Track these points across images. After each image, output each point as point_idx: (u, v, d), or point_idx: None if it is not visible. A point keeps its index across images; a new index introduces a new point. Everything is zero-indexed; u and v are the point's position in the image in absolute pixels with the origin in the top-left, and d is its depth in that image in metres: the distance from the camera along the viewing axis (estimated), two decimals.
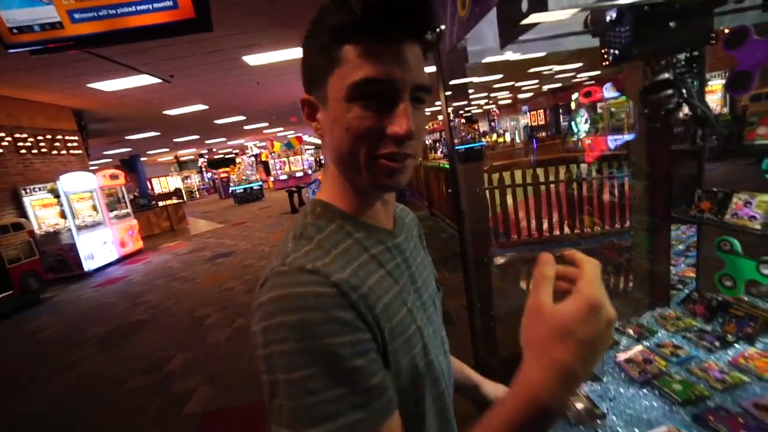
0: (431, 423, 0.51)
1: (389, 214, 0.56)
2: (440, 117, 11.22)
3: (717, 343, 1.22)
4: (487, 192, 4.63)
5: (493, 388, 0.75)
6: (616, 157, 4.10)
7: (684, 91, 1.26)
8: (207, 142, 17.69)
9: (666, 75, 1.31)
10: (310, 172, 17.87)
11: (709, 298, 1.37)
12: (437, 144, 12.88)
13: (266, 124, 13.90)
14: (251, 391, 2.60)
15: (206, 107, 8.76)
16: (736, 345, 1.21)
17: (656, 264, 1.54)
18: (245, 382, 2.73)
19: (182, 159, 27.11)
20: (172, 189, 21.31)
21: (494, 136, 18.40)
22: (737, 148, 1.17)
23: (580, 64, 10.35)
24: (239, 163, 18.20)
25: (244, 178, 16.52)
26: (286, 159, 18.12)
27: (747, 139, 1.16)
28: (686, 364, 1.16)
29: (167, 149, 18.37)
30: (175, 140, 14.63)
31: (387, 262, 0.50)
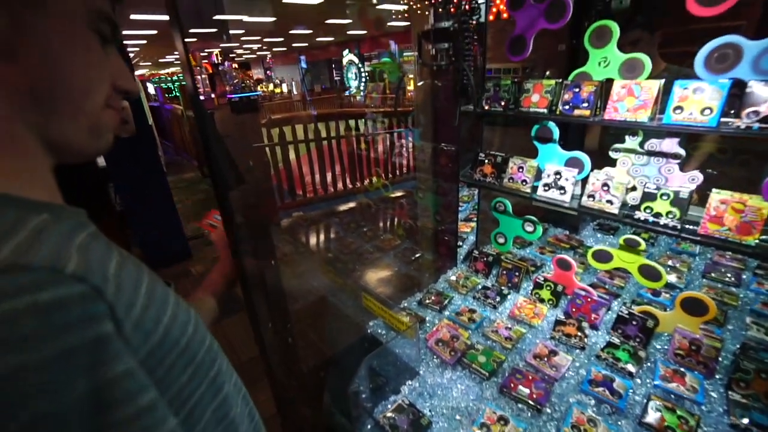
0: None
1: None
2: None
3: (498, 298, 1.32)
4: (267, 149, 4.16)
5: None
6: (402, 113, 4.22)
7: (457, 49, 1.21)
8: None
9: (446, 23, 1.22)
10: None
11: (486, 254, 1.49)
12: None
13: None
14: None
15: None
16: (508, 296, 1.35)
17: (445, 226, 1.57)
18: None
19: None
20: None
21: (270, 86, 17.34)
22: (516, 114, 1.21)
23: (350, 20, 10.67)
24: None
25: None
26: None
27: (523, 106, 1.20)
28: (482, 329, 1.19)
29: None
30: None
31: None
